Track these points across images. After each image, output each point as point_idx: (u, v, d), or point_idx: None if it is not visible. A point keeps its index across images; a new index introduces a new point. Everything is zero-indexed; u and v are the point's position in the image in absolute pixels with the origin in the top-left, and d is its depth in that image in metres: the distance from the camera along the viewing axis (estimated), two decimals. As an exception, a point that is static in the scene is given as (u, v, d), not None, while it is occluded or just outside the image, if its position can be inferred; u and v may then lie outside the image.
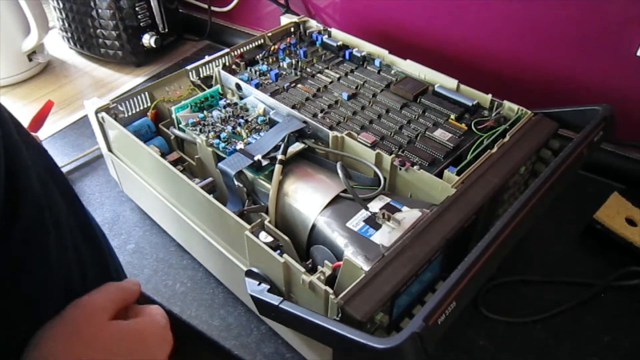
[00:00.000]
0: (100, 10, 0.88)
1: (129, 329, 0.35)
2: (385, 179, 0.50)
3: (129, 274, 0.57)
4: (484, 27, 0.74)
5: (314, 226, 0.47)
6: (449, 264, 0.39)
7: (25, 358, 0.30)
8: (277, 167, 0.50)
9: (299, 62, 0.68)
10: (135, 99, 0.62)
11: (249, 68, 0.67)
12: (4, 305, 0.30)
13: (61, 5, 0.92)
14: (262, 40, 0.73)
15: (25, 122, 0.71)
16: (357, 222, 0.45)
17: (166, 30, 0.95)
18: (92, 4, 0.88)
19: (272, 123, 0.57)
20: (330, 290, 0.39)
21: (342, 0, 0.87)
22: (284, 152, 0.52)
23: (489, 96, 0.59)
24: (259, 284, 0.45)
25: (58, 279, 0.33)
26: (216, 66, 0.67)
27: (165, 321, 0.38)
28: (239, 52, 0.70)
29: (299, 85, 0.64)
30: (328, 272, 0.40)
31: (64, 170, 0.73)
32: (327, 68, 0.68)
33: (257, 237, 0.44)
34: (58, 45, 1.03)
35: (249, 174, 0.52)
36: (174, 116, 0.59)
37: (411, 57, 0.66)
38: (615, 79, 0.67)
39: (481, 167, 0.49)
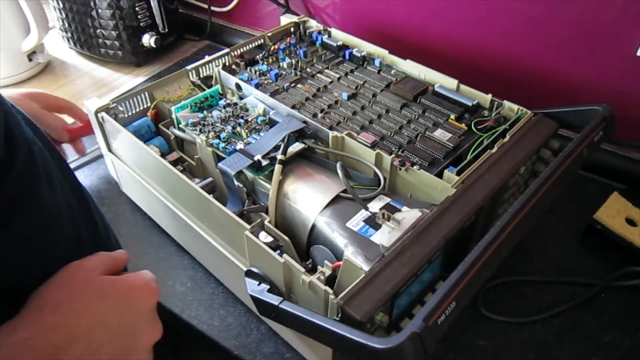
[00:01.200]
0: (100, 10, 0.88)
1: (116, 279, 0.37)
2: (385, 179, 0.50)
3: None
4: (484, 27, 0.74)
5: (314, 226, 0.47)
6: (449, 264, 0.39)
7: (14, 320, 0.31)
8: (277, 167, 0.50)
9: (299, 62, 0.68)
10: (135, 99, 0.62)
11: (249, 68, 0.67)
12: None
13: (61, 5, 0.92)
14: (262, 40, 0.73)
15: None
16: (357, 222, 0.45)
17: (166, 30, 0.95)
18: (92, 4, 0.88)
19: (272, 123, 0.57)
20: (330, 290, 0.39)
21: (342, 0, 0.87)
22: (284, 152, 0.52)
23: (489, 96, 0.59)
24: (258, 284, 0.45)
25: (51, 227, 0.35)
26: (216, 66, 0.67)
27: (151, 277, 0.40)
28: (239, 52, 0.70)
29: (299, 85, 0.64)
30: (328, 272, 0.40)
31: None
32: (327, 68, 0.68)
33: (257, 237, 0.44)
34: (58, 45, 1.03)
35: (249, 174, 0.52)
36: (174, 116, 0.59)
37: (411, 57, 0.66)
38: (615, 79, 0.67)
39: (481, 167, 0.49)
